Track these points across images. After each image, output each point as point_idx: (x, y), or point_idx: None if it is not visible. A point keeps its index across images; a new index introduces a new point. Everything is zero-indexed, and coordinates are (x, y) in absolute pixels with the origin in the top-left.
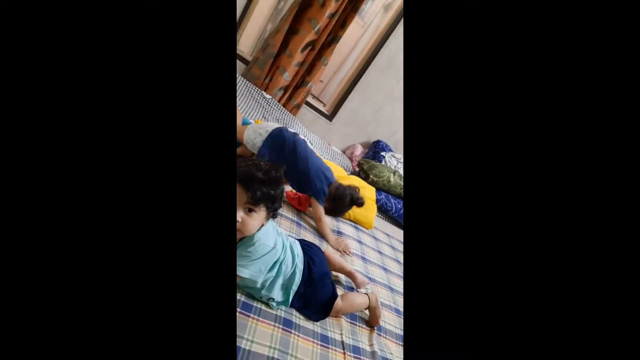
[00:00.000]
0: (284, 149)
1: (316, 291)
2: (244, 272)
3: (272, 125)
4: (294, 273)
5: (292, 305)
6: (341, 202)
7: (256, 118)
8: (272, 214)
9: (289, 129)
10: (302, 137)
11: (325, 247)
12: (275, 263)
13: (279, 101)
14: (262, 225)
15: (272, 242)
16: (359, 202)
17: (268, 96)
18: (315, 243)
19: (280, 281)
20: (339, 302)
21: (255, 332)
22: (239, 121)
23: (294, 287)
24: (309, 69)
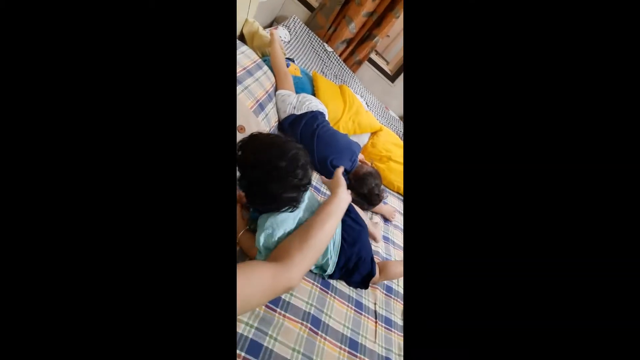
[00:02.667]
0: (306, 135)
1: (352, 274)
2: (257, 256)
3: (313, 103)
4: (326, 263)
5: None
6: (361, 185)
7: (314, 70)
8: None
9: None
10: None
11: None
12: None
13: (340, 55)
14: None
15: (282, 234)
16: (373, 198)
17: (329, 49)
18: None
19: (311, 267)
20: (376, 277)
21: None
22: (283, 69)
23: (328, 272)
24: (378, 20)
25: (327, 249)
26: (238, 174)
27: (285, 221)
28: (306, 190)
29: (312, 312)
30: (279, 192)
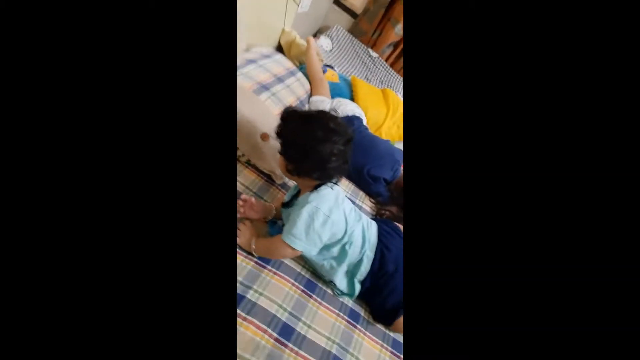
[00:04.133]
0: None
1: (384, 290)
2: (296, 243)
3: (348, 107)
4: (361, 261)
5: (359, 297)
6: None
7: (354, 75)
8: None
9: (359, 121)
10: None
11: None
12: (337, 243)
13: (386, 60)
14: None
15: (327, 211)
16: None
17: (374, 54)
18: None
19: (344, 267)
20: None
21: (314, 317)
22: (318, 75)
23: (359, 277)
24: None
25: (363, 243)
26: (281, 147)
27: (327, 196)
28: (347, 163)
29: (333, 351)
30: (328, 154)
